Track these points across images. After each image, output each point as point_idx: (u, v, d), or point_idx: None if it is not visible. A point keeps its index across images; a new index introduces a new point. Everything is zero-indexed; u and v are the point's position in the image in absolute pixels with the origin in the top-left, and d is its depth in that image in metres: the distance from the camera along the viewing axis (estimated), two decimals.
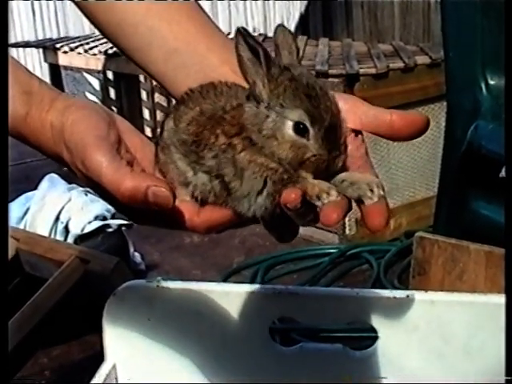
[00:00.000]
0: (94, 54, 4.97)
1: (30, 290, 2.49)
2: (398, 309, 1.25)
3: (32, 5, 7.47)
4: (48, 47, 5.49)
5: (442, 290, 1.51)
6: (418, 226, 3.45)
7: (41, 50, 5.82)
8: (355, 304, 1.26)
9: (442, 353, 1.23)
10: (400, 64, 3.52)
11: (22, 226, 3.20)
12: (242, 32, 0.82)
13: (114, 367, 1.29)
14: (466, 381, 1.20)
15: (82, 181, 0.89)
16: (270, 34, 5.23)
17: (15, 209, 3.31)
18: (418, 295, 1.25)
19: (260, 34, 5.11)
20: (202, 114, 0.87)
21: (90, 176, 0.85)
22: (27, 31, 7.45)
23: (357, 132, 0.90)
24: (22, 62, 7.13)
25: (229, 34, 5.15)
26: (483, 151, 2.01)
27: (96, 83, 5.28)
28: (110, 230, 3.19)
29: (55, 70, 5.55)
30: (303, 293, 1.27)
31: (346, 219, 3.43)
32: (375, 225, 0.82)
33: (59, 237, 3.14)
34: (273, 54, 0.87)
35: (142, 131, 4.95)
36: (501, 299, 1.21)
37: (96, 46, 5.04)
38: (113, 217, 3.26)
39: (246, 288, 1.28)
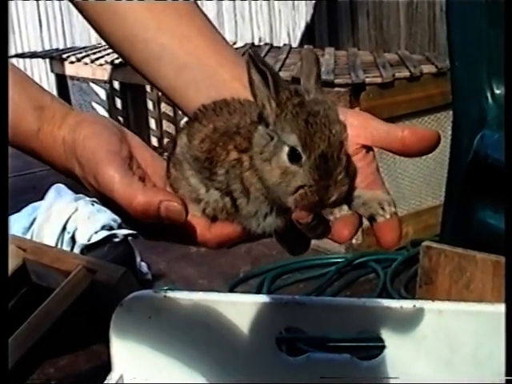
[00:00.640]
0: (101, 65, 4.99)
1: (36, 300, 2.50)
2: (405, 318, 1.25)
3: (39, 15, 7.51)
4: (55, 57, 5.51)
5: (449, 300, 1.51)
6: (424, 234, 3.45)
7: (47, 61, 5.84)
8: (362, 314, 1.26)
9: (449, 362, 1.23)
10: (406, 73, 3.53)
11: (28, 236, 3.21)
12: (252, 56, 0.81)
13: (120, 377, 1.29)
14: None
15: (94, 196, 0.89)
16: (276, 43, 5.24)
17: (22, 219, 3.32)
18: (425, 305, 1.24)
19: (266, 44, 5.12)
20: (216, 131, 0.88)
21: (102, 191, 0.85)
22: (34, 42, 7.48)
23: (368, 148, 0.89)
24: (29, 72, 7.15)
25: (234, 43, 5.17)
26: (489, 160, 2.01)
27: (102, 93, 5.29)
28: (117, 239, 3.19)
29: (62, 80, 5.57)
30: (310, 303, 1.26)
31: None
32: (388, 241, 0.82)
33: (66, 247, 3.14)
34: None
35: (148, 141, 4.96)
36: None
37: (102, 57, 5.05)
38: (119, 227, 3.27)
39: (253, 298, 1.28)
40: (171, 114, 4.84)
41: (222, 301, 1.30)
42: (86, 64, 5.12)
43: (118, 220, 3.31)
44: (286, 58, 4.22)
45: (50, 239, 3.15)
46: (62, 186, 3.44)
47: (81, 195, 3.38)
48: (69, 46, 6.81)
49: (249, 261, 3.54)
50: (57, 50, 6.13)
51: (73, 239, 3.19)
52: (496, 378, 1.19)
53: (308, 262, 3.42)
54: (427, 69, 3.61)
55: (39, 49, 7.10)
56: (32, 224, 3.31)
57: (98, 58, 5.04)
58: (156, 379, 1.29)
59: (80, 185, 0.90)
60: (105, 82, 5.15)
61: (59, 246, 3.15)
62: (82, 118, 0.90)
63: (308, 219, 0.80)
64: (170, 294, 1.29)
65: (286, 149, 0.80)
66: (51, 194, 3.37)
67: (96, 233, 3.14)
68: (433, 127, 3.57)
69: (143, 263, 3.39)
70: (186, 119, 0.98)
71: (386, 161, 3.38)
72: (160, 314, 1.28)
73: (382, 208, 0.83)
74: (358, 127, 0.87)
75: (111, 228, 3.20)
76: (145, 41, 1.00)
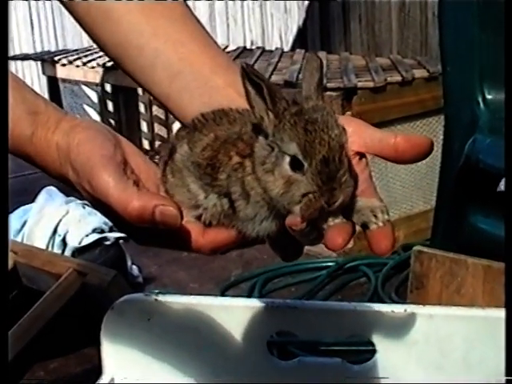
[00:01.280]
0: (93, 67, 4.98)
1: (27, 303, 2.49)
2: (397, 323, 1.25)
3: (31, 17, 7.50)
4: (46, 60, 5.50)
5: (439, 304, 1.52)
6: (415, 239, 3.45)
7: (39, 63, 5.82)
8: (353, 318, 1.26)
9: (440, 366, 1.23)
10: (398, 77, 3.53)
11: (19, 239, 3.20)
12: (245, 68, 0.81)
13: (111, 381, 1.29)
14: None
15: (88, 201, 0.89)
16: (269, 47, 5.24)
17: (13, 221, 3.31)
18: (416, 309, 1.25)
19: (258, 47, 5.12)
20: (217, 139, 0.88)
21: (96, 196, 0.85)
22: (26, 44, 7.47)
23: (361, 155, 0.89)
24: (20, 74, 7.14)
25: (227, 46, 5.17)
26: (481, 165, 2.02)
27: (94, 96, 5.29)
28: (108, 242, 3.18)
29: (53, 82, 5.55)
30: (301, 307, 1.27)
31: None
32: (381, 248, 0.82)
33: (57, 250, 3.13)
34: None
35: (140, 144, 4.95)
36: (499, 313, 1.21)
37: (94, 59, 5.05)
38: (110, 230, 3.26)
39: (244, 302, 1.28)
40: (163, 116, 4.84)
41: (213, 304, 1.30)
42: (78, 66, 5.11)
43: (110, 223, 3.30)
44: (278, 62, 4.22)
45: (40, 242, 3.14)
46: (53, 188, 3.43)
47: (72, 198, 3.37)
48: (61, 48, 6.79)
49: (240, 264, 3.54)
50: (48, 52, 6.12)
51: (64, 242, 3.19)
52: (487, 382, 1.19)
53: (299, 265, 3.42)
54: (419, 73, 3.62)
55: (31, 51, 7.08)
56: (23, 226, 3.30)
57: (89, 61, 5.04)
58: (146, 382, 1.29)
59: (74, 190, 0.90)
60: (96, 84, 5.14)
61: (50, 249, 3.14)
62: (76, 123, 0.90)
63: (302, 226, 0.80)
64: (161, 297, 1.29)
65: (287, 158, 0.80)
66: (42, 196, 3.37)
67: (87, 236, 3.14)
68: (424, 132, 3.57)
69: (134, 266, 3.39)
70: (178, 124, 0.98)
71: (378, 165, 3.38)
72: (151, 318, 1.28)
73: (375, 216, 0.83)
74: (352, 134, 0.87)
75: (102, 231, 3.20)
76: (139, 46, 1.00)
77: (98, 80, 5.05)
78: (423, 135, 0.91)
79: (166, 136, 4.83)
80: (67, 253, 3.12)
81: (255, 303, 1.27)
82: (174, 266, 3.59)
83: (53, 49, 6.84)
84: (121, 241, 3.25)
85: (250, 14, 5.55)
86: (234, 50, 4.96)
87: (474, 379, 1.21)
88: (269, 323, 1.28)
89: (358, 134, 0.88)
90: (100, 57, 5.03)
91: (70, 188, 0.91)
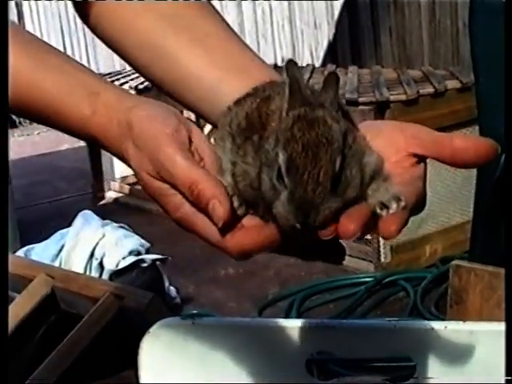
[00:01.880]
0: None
1: (66, 328, 2.50)
2: (437, 340, 1.23)
3: (63, 41, 7.59)
4: None
5: (480, 319, 1.49)
6: (453, 251, 3.42)
7: None
8: (393, 336, 1.25)
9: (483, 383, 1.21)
10: (430, 89, 3.51)
11: (57, 264, 3.22)
12: (287, 62, 0.83)
13: None
14: None
15: (142, 183, 0.88)
16: (299, 63, 5.23)
17: (50, 246, 3.34)
18: (457, 326, 1.23)
19: None
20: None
21: (159, 174, 0.85)
22: None
23: (420, 160, 0.88)
24: None
25: None
26: None
27: None
28: (145, 264, 3.19)
29: None
30: (339, 326, 1.26)
31: (381, 247, 3.41)
32: (388, 232, 0.80)
33: (94, 273, 3.15)
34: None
35: None
36: None
37: (127, 82, 5.08)
38: (147, 251, 3.27)
39: (282, 323, 1.27)
40: None
41: (250, 326, 1.29)
42: None
43: (146, 245, 3.32)
44: (309, 78, 4.21)
45: (78, 266, 3.16)
46: (88, 212, 3.46)
47: (108, 221, 3.39)
48: None
49: (277, 283, 3.52)
50: None
51: (101, 265, 3.20)
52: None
53: (337, 282, 3.41)
54: (452, 84, 3.59)
55: None
56: (60, 251, 3.32)
57: (122, 84, 5.07)
58: None
59: (130, 167, 0.90)
60: None
61: (87, 273, 3.16)
62: (139, 101, 0.90)
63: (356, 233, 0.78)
64: (198, 320, 1.29)
65: (276, 166, 0.79)
66: (78, 220, 3.39)
67: (124, 258, 3.15)
68: None
69: (172, 287, 3.39)
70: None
71: None
72: (188, 341, 1.27)
73: (389, 203, 0.81)
74: (409, 137, 0.86)
75: (139, 253, 3.21)
76: (200, 77, 1.00)
77: None
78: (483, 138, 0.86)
79: None
80: (104, 276, 3.13)
81: (292, 323, 1.26)
82: (212, 285, 3.58)
83: None
84: (158, 262, 3.26)
85: (280, 30, 5.56)
86: None
87: None
88: (307, 343, 1.27)
89: (415, 137, 0.87)
90: (132, 79, 5.06)
91: (127, 165, 0.90)
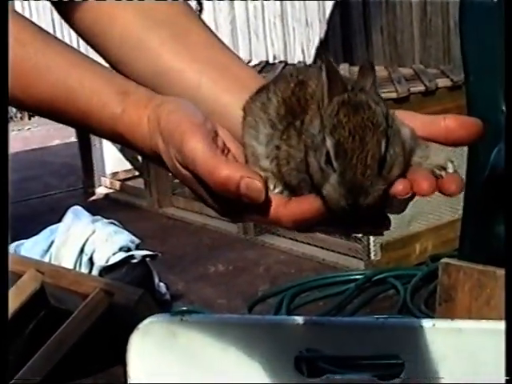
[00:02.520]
0: None
1: (55, 323, 2.50)
2: (425, 338, 1.23)
3: (54, 34, 7.54)
4: None
5: (469, 317, 1.50)
6: (444, 249, 3.42)
7: None
8: (381, 333, 1.25)
9: (470, 381, 1.21)
10: (421, 87, 3.51)
11: (47, 259, 3.21)
12: (323, 59, 0.84)
13: None
14: None
15: (175, 173, 0.88)
16: (291, 60, 5.24)
17: (40, 242, 3.33)
18: (445, 323, 1.23)
19: (280, 62, 5.12)
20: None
21: (184, 163, 0.85)
22: None
23: None
24: None
25: (249, 61, 5.17)
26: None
27: None
28: (135, 260, 3.19)
29: None
30: (329, 323, 1.26)
31: (371, 244, 3.42)
32: (450, 190, 0.83)
33: (84, 269, 3.14)
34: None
35: None
36: None
37: None
38: (137, 247, 3.27)
39: (271, 320, 1.27)
40: None
41: (238, 323, 1.29)
42: None
43: (136, 241, 3.31)
44: None
45: (68, 262, 3.15)
46: (79, 208, 3.45)
47: (98, 217, 3.38)
48: None
49: (267, 280, 3.52)
50: None
51: (91, 261, 3.19)
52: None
53: (327, 279, 3.41)
54: (442, 82, 3.59)
55: None
56: (50, 247, 3.31)
57: None
58: None
59: (162, 166, 0.90)
60: None
61: (77, 269, 3.15)
62: (167, 98, 0.91)
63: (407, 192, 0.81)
64: (187, 317, 1.29)
65: (324, 150, 0.80)
66: (68, 216, 3.38)
67: (114, 254, 3.14)
68: None
69: (161, 284, 3.38)
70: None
71: None
72: (177, 338, 1.27)
73: (446, 164, 0.84)
74: (405, 119, 0.88)
75: (129, 249, 3.20)
76: (182, 70, 1.01)
77: None
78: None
79: None
80: (94, 272, 3.13)
81: (281, 321, 1.26)
82: (201, 282, 3.58)
83: None
84: (148, 258, 3.26)
85: (272, 28, 5.56)
86: (257, 65, 4.96)
87: None
88: (296, 340, 1.27)
89: (408, 120, 0.89)
90: None
91: (157, 163, 0.91)
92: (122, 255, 3.16)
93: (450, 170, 0.84)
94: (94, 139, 4.94)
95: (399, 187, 0.81)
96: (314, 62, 5.17)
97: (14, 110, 7.45)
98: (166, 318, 1.29)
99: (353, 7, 5.06)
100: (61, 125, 1.01)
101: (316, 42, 5.30)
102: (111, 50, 1.06)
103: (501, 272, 1.51)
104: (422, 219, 3.54)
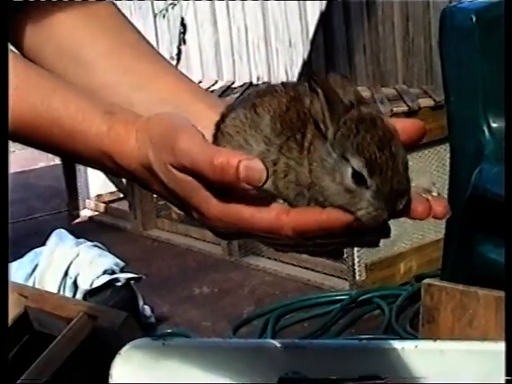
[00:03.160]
0: None
1: (39, 348, 2.48)
2: (408, 359, 1.23)
3: None
4: None
5: (452, 338, 1.50)
6: (428, 268, 3.43)
7: None
8: (364, 356, 1.25)
9: None
10: (404, 108, 3.53)
11: (30, 283, 3.20)
12: (308, 78, 0.83)
13: None
14: None
15: (167, 182, 0.85)
16: (274, 81, 5.26)
17: (24, 265, 3.32)
18: (427, 344, 1.23)
19: (264, 83, 5.14)
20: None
21: (179, 163, 0.83)
22: None
23: None
24: None
25: (233, 83, 5.19)
26: (488, 195, 2.01)
27: None
28: (119, 283, 3.18)
29: None
30: (310, 346, 1.25)
31: (356, 265, 3.42)
32: (439, 212, 0.83)
33: (68, 292, 3.13)
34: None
35: None
36: None
37: None
38: (121, 270, 3.26)
39: (253, 343, 1.27)
40: None
41: (221, 346, 1.29)
42: None
43: (121, 264, 3.31)
44: None
45: (52, 285, 3.14)
46: (63, 231, 3.44)
47: (82, 240, 3.38)
48: None
49: (252, 301, 3.52)
50: None
51: (75, 284, 3.19)
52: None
53: (312, 300, 3.41)
54: (425, 102, 3.62)
55: None
56: (34, 270, 3.31)
57: None
58: None
59: (148, 186, 0.88)
60: None
61: (62, 292, 3.14)
62: (157, 113, 0.90)
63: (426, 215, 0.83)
64: (169, 341, 1.28)
65: (350, 170, 0.80)
66: (53, 239, 3.37)
67: (98, 277, 3.14)
68: (433, 160, 3.56)
69: (146, 307, 3.37)
70: None
71: None
72: (159, 362, 1.27)
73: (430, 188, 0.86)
74: None
75: (113, 272, 3.20)
76: (114, 85, 1.01)
77: None
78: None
79: None
80: (78, 295, 3.12)
81: (263, 344, 1.26)
82: (186, 304, 3.57)
83: None
84: (132, 281, 3.25)
85: (255, 49, 5.58)
86: (241, 86, 4.98)
87: None
88: (278, 364, 1.26)
89: None
90: None
91: (145, 186, 0.89)
92: (106, 278, 3.16)
93: (435, 194, 0.84)
94: None
95: (419, 209, 0.82)
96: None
97: None
98: (147, 342, 1.29)
99: (336, 27, 5.09)
100: None
101: (299, 63, 5.32)
102: (48, 64, 1.05)
103: (483, 292, 1.52)
104: (407, 239, 3.54)
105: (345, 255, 3.42)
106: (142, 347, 1.28)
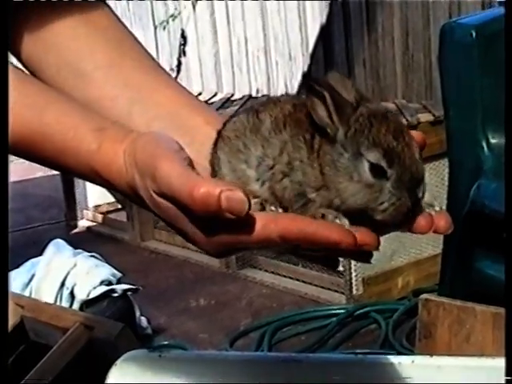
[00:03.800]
0: None
1: (35, 358, 2.47)
2: (404, 375, 1.23)
3: None
4: None
5: (449, 353, 1.50)
6: (426, 283, 3.43)
7: None
8: (360, 370, 1.24)
9: None
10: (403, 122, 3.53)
11: (27, 293, 3.19)
12: (307, 79, 0.83)
13: None
14: None
15: (152, 206, 0.85)
16: (274, 94, 5.27)
17: (21, 275, 3.31)
18: (424, 360, 1.23)
19: (264, 95, 5.14)
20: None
21: (160, 191, 0.82)
22: None
23: None
24: None
25: (232, 95, 5.20)
26: (486, 211, 2.01)
27: None
28: (116, 294, 3.18)
29: None
30: (307, 360, 1.25)
31: (353, 279, 3.42)
32: (442, 227, 0.83)
33: (65, 303, 3.12)
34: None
35: None
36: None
37: None
38: (118, 281, 3.26)
39: (248, 356, 1.27)
40: None
41: (218, 359, 1.28)
42: None
43: (118, 275, 3.30)
44: None
45: (48, 295, 3.13)
46: (60, 241, 3.44)
47: (79, 250, 3.38)
48: None
49: (249, 314, 3.51)
50: None
51: (72, 295, 3.18)
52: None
53: (309, 313, 3.40)
54: (424, 117, 3.62)
55: None
56: (31, 280, 3.30)
57: None
58: None
59: (139, 203, 0.88)
60: None
61: (58, 302, 3.14)
62: (144, 133, 0.89)
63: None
64: (165, 353, 1.28)
65: (367, 164, 0.80)
66: (50, 249, 3.37)
67: (95, 288, 3.13)
68: (432, 175, 3.56)
69: (143, 318, 3.37)
70: None
71: None
72: (155, 375, 1.26)
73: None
74: None
75: (110, 283, 3.19)
76: (113, 98, 1.01)
77: None
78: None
79: None
80: (75, 306, 3.11)
81: (259, 357, 1.26)
82: (184, 316, 3.56)
83: None
84: (129, 292, 3.25)
85: (255, 61, 5.59)
86: (240, 99, 4.99)
87: None
88: (275, 377, 1.26)
89: None
90: None
91: (135, 200, 0.89)
92: (103, 289, 3.15)
93: (437, 208, 0.84)
94: None
95: (422, 223, 0.82)
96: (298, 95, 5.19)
97: None
98: (144, 354, 1.28)
99: (335, 41, 5.10)
100: None
101: (299, 75, 5.33)
102: (48, 76, 1.05)
103: (480, 308, 1.51)
104: (404, 253, 3.54)
105: (342, 269, 3.42)
106: (138, 359, 1.27)
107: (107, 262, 3.38)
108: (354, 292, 3.42)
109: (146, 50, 1.08)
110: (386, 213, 0.81)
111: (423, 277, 3.57)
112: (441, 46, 2.21)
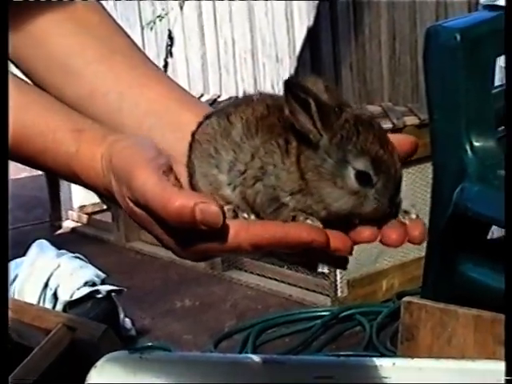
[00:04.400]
0: None
1: (18, 359, 2.46)
2: (385, 377, 1.23)
3: None
4: None
5: (430, 356, 1.49)
6: (410, 286, 3.44)
7: None
8: (342, 372, 1.24)
9: None
10: (389, 125, 3.54)
11: (10, 293, 3.17)
12: (288, 84, 0.82)
13: None
14: None
15: (128, 213, 0.85)
16: None
17: None
18: (405, 362, 1.23)
19: None
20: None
21: (135, 200, 0.82)
22: None
23: None
24: None
25: (219, 96, 5.19)
26: (469, 213, 2.01)
27: None
28: (100, 295, 3.17)
29: None
30: (289, 362, 1.25)
31: (338, 281, 3.42)
32: (415, 236, 0.83)
33: (48, 304, 3.11)
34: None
35: None
36: (489, 365, 1.19)
37: None
38: (102, 282, 3.25)
39: (232, 358, 1.26)
40: None
41: (199, 361, 1.28)
42: None
43: (102, 276, 3.29)
44: None
45: (31, 296, 3.12)
46: (44, 242, 3.42)
47: (63, 251, 3.36)
48: None
49: (234, 315, 3.51)
50: None
51: (55, 296, 3.17)
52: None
53: (293, 315, 3.40)
54: (410, 120, 3.63)
55: None
56: (14, 280, 3.29)
57: None
58: None
59: (118, 206, 0.88)
60: None
61: (41, 303, 3.12)
62: (122, 136, 0.89)
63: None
64: (147, 354, 1.27)
65: (352, 171, 0.80)
66: (33, 250, 3.35)
67: (78, 289, 3.12)
68: (417, 178, 3.58)
69: (127, 319, 3.36)
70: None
71: None
72: (135, 376, 1.26)
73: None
74: None
75: (94, 284, 3.18)
76: (104, 93, 1.00)
77: None
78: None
79: None
80: (58, 307, 3.10)
81: (241, 359, 1.25)
82: (168, 318, 3.56)
83: None
84: (113, 293, 3.24)
85: (242, 63, 5.59)
86: (227, 100, 4.98)
87: None
88: (258, 379, 1.26)
89: None
90: None
91: (113, 203, 0.89)
92: (86, 290, 3.14)
93: (413, 216, 0.84)
94: None
95: (366, 233, 0.82)
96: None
97: None
98: (124, 355, 1.28)
99: (323, 44, 5.11)
100: None
101: (286, 77, 5.33)
102: (38, 74, 1.04)
103: (462, 311, 1.51)
104: (389, 256, 3.55)
105: (327, 271, 3.42)
106: (119, 360, 1.27)
107: (92, 263, 3.37)
108: (339, 294, 3.43)
109: (137, 46, 1.07)
110: (366, 216, 0.81)
111: (408, 279, 3.58)
112: (425, 49, 2.21)
